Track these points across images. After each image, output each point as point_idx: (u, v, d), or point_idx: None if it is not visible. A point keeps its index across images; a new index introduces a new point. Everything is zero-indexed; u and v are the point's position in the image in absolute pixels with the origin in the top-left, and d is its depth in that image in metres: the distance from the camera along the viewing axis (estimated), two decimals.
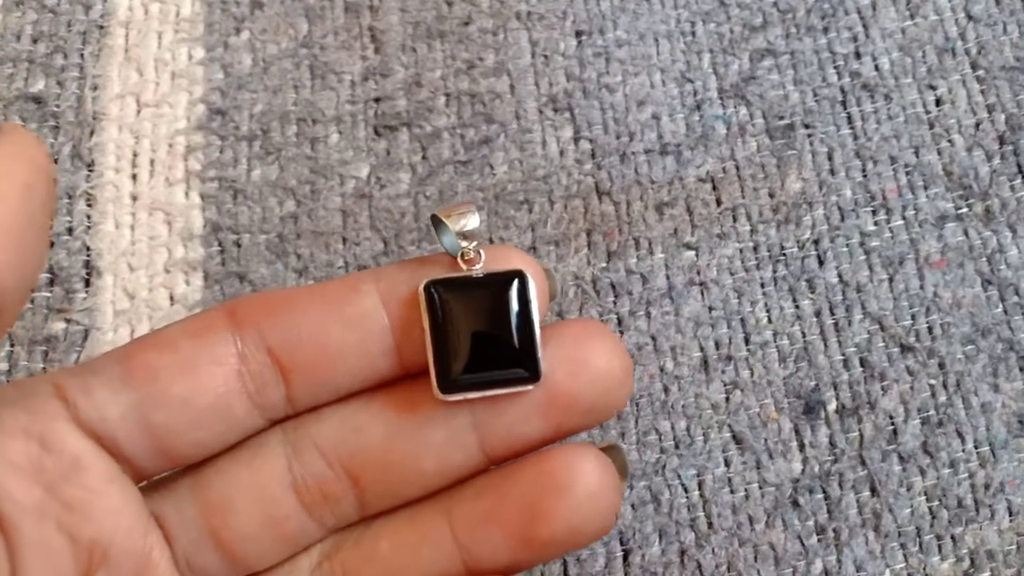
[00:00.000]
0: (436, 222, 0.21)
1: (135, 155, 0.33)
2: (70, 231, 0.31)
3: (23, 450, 0.19)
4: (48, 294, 0.30)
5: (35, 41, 0.34)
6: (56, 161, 0.32)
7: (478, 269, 0.21)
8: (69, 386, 0.20)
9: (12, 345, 0.30)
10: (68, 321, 0.30)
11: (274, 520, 0.21)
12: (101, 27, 0.35)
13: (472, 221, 0.21)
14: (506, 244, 0.24)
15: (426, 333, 0.20)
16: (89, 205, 0.32)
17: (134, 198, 0.32)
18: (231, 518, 0.21)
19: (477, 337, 0.21)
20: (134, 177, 0.32)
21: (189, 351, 0.21)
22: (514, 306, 0.21)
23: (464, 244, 0.21)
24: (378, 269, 0.22)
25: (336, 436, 0.21)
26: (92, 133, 0.33)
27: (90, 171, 0.32)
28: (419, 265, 0.22)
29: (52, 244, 0.31)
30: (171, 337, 0.21)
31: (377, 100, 0.34)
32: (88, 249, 0.31)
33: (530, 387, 0.21)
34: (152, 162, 0.32)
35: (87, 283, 0.31)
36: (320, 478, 0.21)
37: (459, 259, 0.21)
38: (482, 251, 0.21)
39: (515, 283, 0.21)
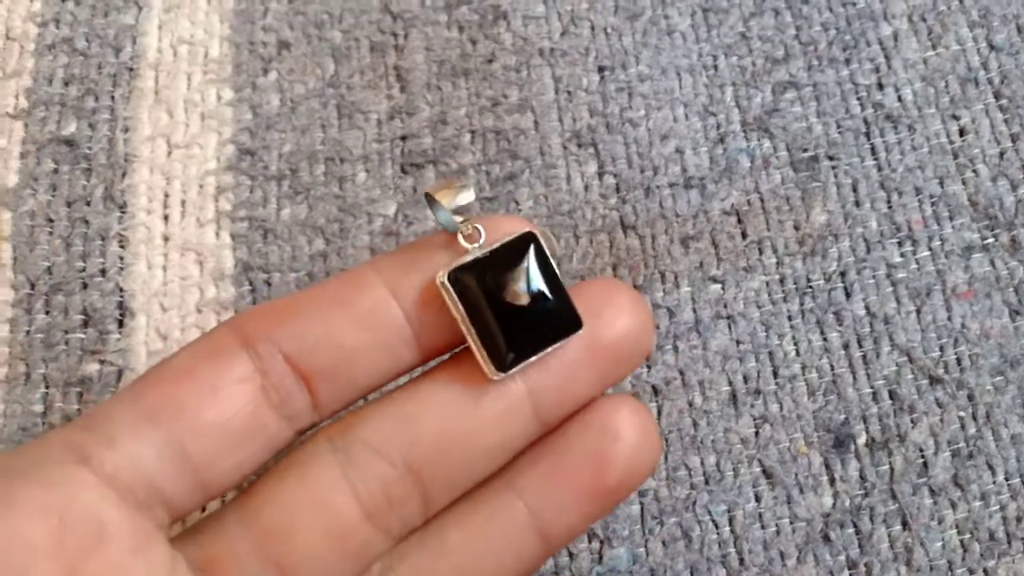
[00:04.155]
0: (429, 200, 0.21)
1: (166, 196, 0.33)
2: (103, 272, 0.32)
3: (42, 529, 0.18)
4: (82, 335, 0.31)
5: (67, 84, 0.35)
6: (89, 203, 0.33)
7: (482, 243, 0.21)
8: (87, 443, 0.19)
9: (47, 387, 0.30)
10: (102, 362, 0.30)
11: (339, 535, 0.20)
12: (131, 69, 0.35)
13: (465, 196, 0.21)
14: (498, 214, 0.24)
15: (464, 320, 0.21)
16: (122, 246, 0.32)
17: (166, 239, 0.32)
18: (292, 540, 0.20)
19: (513, 307, 0.21)
20: (166, 218, 0.33)
21: (208, 375, 0.20)
22: (537, 267, 0.21)
23: (459, 219, 0.21)
24: (373, 260, 0.21)
25: (390, 431, 0.21)
26: (124, 175, 0.33)
27: (122, 213, 0.33)
28: (418, 249, 0.21)
29: (85, 286, 0.31)
30: (183, 365, 0.20)
31: (403, 138, 0.34)
32: (121, 290, 0.31)
33: (579, 333, 0.21)
34: (183, 203, 0.33)
35: (120, 324, 0.31)
36: (382, 480, 0.20)
37: (459, 237, 0.21)
38: (480, 226, 0.21)
39: (531, 247, 0.21)
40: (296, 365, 0.20)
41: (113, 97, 0.35)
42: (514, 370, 0.21)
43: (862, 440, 0.30)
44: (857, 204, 0.33)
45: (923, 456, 0.30)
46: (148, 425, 0.19)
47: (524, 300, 0.21)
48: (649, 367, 0.31)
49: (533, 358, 0.21)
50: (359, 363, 0.21)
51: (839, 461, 0.30)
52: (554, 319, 0.21)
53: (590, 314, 0.21)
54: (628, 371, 0.22)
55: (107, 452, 0.19)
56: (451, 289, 0.21)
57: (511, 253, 0.21)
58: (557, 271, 0.21)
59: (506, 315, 0.21)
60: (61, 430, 0.20)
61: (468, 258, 0.21)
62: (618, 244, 0.33)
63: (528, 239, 0.21)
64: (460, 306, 0.21)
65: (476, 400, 0.21)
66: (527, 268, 0.21)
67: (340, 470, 0.21)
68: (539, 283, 0.21)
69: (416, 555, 0.21)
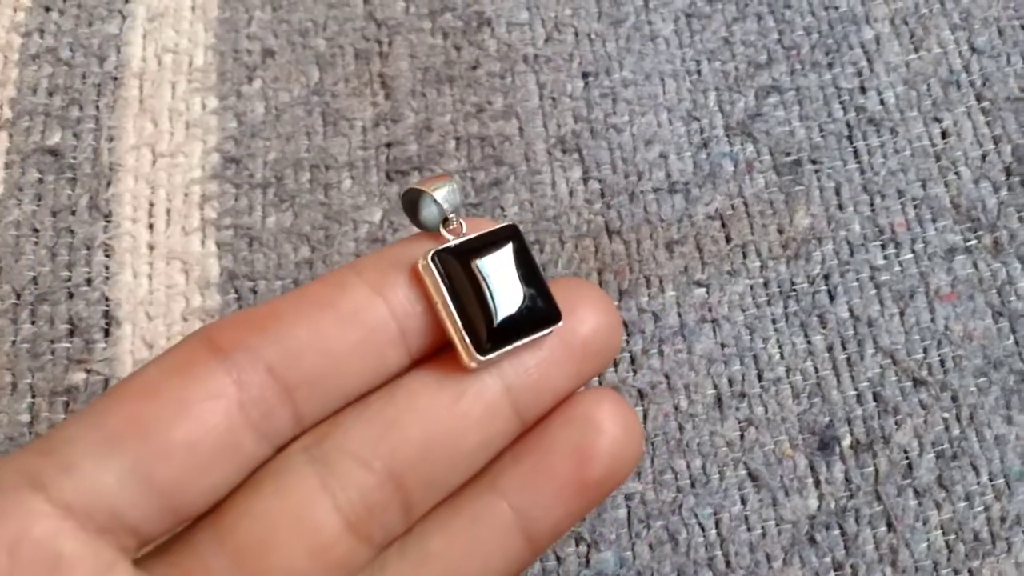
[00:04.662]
0: (415, 195, 0.21)
1: (151, 205, 0.33)
2: (89, 282, 0.32)
3: None
4: (68, 345, 0.31)
5: (51, 94, 0.35)
6: (74, 213, 0.33)
7: (464, 234, 0.21)
8: (42, 468, 0.18)
9: (34, 397, 0.30)
10: (88, 372, 0.30)
11: (320, 549, 0.19)
12: (115, 79, 0.35)
13: (451, 187, 0.21)
14: (482, 218, 0.24)
15: (446, 303, 0.20)
16: (107, 255, 0.32)
17: (151, 248, 0.32)
18: (271, 556, 0.19)
19: (494, 294, 0.21)
20: (151, 227, 0.33)
21: (177, 392, 0.19)
22: (519, 258, 0.21)
23: (444, 207, 0.21)
24: (352, 264, 0.21)
25: (370, 438, 0.20)
26: (109, 184, 0.33)
27: (107, 222, 0.33)
28: (400, 248, 0.21)
29: (71, 295, 0.31)
30: (150, 381, 0.19)
31: (388, 145, 0.34)
32: (107, 299, 0.32)
33: (557, 325, 0.21)
34: (168, 212, 0.33)
35: (106, 333, 0.31)
36: (362, 488, 0.20)
37: (442, 229, 0.21)
38: (463, 221, 0.21)
39: (512, 238, 0.21)
40: (280, 375, 0.19)
41: (98, 107, 0.35)
42: (493, 355, 0.20)
43: (847, 442, 0.30)
44: (840, 207, 0.34)
45: (907, 457, 0.30)
46: (110, 448, 0.18)
47: (504, 287, 0.21)
48: (635, 371, 0.31)
49: (511, 346, 0.21)
50: (346, 368, 0.20)
51: (824, 463, 0.30)
52: (534, 310, 0.21)
53: (563, 311, 0.21)
54: (601, 368, 0.22)
55: (64, 478, 0.18)
56: (434, 271, 0.20)
57: (495, 242, 0.21)
58: (537, 264, 0.21)
59: (487, 299, 0.20)
60: (17, 455, 0.18)
61: (452, 243, 0.21)
62: (603, 249, 0.33)
63: (510, 231, 0.21)
64: (442, 287, 0.20)
65: (456, 400, 0.20)
66: (508, 258, 0.21)
67: (318, 480, 0.20)
68: (520, 273, 0.21)
69: (398, 564, 0.21)
